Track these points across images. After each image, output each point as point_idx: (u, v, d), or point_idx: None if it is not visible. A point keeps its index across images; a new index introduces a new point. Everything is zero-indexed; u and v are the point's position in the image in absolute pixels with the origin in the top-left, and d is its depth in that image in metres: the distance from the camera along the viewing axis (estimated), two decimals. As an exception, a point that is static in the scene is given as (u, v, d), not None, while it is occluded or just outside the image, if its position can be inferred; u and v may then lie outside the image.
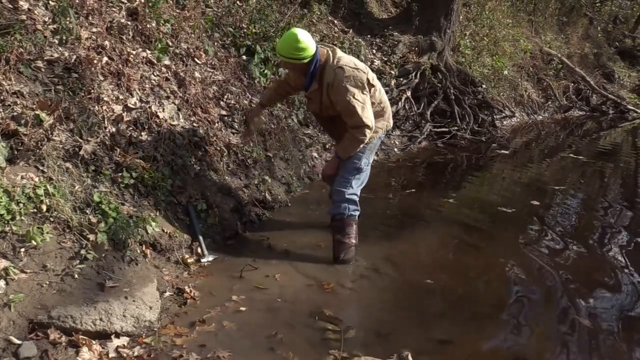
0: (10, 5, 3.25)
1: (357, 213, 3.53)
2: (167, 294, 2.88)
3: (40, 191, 2.66)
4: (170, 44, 4.28)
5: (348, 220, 3.47)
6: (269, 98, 3.98)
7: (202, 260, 3.30)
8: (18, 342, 2.21)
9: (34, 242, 2.51)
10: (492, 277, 3.48)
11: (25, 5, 3.35)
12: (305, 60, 3.23)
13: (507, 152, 7.40)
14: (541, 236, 4.24)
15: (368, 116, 3.25)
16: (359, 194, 3.54)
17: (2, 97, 2.85)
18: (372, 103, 3.37)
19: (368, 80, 3.30)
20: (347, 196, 3.45)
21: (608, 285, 3.46)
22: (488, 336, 2.80)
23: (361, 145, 3.35)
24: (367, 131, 3.27)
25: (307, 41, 3.20)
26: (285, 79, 3.84)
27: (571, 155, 7.78)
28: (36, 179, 2.72)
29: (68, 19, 3.38)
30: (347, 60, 3.30)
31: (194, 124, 3.97)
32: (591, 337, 2.84)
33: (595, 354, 2.71)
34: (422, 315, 2.96)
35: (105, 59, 3.56)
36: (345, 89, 3.18)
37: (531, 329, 2.88)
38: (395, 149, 6.78)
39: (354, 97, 3.19)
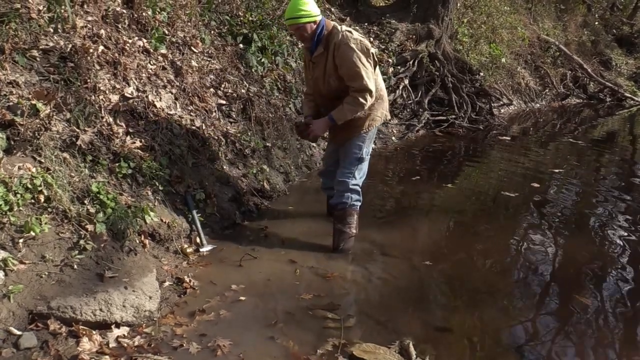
0: (4, -7, 3.21)
1: (359, 203, 3.55)
2: (167, 283, 2.88)
3: (38, 181, 2.64)
4: (167, 32, 4.24)
5: (350, 210, 3.49)
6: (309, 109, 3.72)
7: (201, 249, 3.30)
8: (18, 332, 2.22)
9: (32, 233, 2.50)
10: (493, 262, 3.49)
11: (19, -6, 3.31)
12: (310, 19, 3.24)
13: (508, 138, 7.41)
14: (542, 219, 4.25)
15: (372, 82, 3.25)
16: (361, 184, 3.55)
17: (-3, 87, 2.82)
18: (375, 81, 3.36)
19: (373, 54, 3.32)
20: (350, 186, 3.47)
21: (609, 265, 3.48)
22: (487, 323, 2.81)
23: (359, 112, 3.30)
24: (369, 97, 3.26)
25: (310, 3, 3.26)
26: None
27: (570, 140, 7.80)
28: (33, 170, 2.70)
29: (63, 7, 3.33)
30: (353, 31, 3.35)
31: (192, 113, 3.94)
32: (592, 319, 2.86)
33: (596, 336, 2.72)
34: (421, 303, 2.97)
35: (101, 47, 3.52)
36: (352, 50, 3.20)
37: (531, 314, 2.89)
38: (393, 138, 6.76)
39: (359, 60, 3.20)
